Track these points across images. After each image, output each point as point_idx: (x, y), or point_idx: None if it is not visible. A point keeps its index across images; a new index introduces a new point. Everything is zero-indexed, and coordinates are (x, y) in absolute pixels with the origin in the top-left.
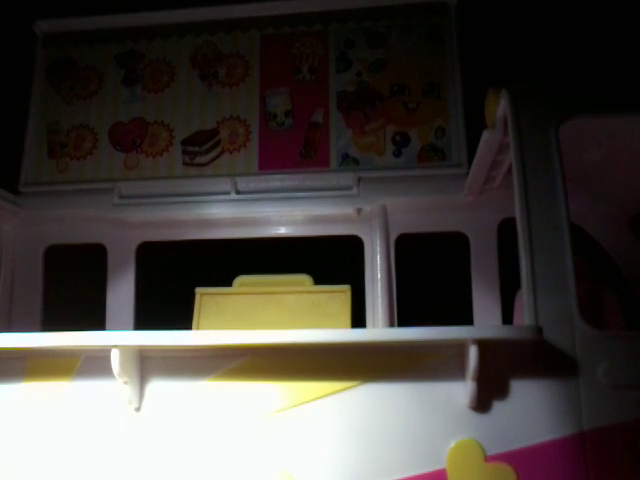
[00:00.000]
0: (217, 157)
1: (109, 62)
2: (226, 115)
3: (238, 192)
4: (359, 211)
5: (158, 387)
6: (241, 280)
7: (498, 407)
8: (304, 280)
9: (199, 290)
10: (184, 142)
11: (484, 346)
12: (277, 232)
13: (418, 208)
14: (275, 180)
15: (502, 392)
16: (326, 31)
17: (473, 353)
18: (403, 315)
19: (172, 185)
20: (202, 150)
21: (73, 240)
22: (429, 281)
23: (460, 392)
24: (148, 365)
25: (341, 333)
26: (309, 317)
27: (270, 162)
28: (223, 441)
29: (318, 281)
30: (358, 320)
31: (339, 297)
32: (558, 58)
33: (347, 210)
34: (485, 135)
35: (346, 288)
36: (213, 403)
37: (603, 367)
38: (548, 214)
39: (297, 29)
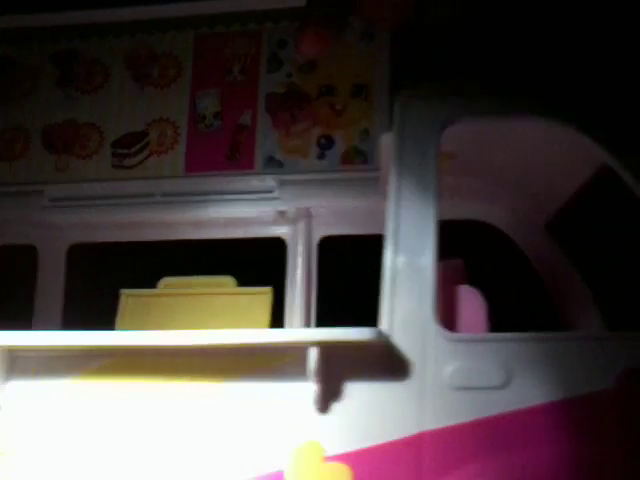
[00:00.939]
0: (145, 159)
1: (44, 62)
2: (156, 117)
3: (164, 195)
4: (282, 214)
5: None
6: (165, 282)
7: (339, 409)
8: (227, 282)
9: (124, 291)
10: (114, 144)
11: (326, 349)
12: (202, 234)
13: (341, 211)
14: (200, 183)
15: (344, 394)
16: (260, 30)
17: (314, 355)
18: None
19: (101, 187)
20: (131, 152)
21: (3, 241)
22: (350, 282)
23: (303, 394)
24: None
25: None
26: (229, 318)
27: (197, 165)
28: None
29: (245, 283)
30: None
31: (260, 299)
32: (470, 61)
33: (270, 213)
34: (381, 139)
35: (268, 290)
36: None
37: (449, 369)
38: (416, 217)
39: (231, 28)
